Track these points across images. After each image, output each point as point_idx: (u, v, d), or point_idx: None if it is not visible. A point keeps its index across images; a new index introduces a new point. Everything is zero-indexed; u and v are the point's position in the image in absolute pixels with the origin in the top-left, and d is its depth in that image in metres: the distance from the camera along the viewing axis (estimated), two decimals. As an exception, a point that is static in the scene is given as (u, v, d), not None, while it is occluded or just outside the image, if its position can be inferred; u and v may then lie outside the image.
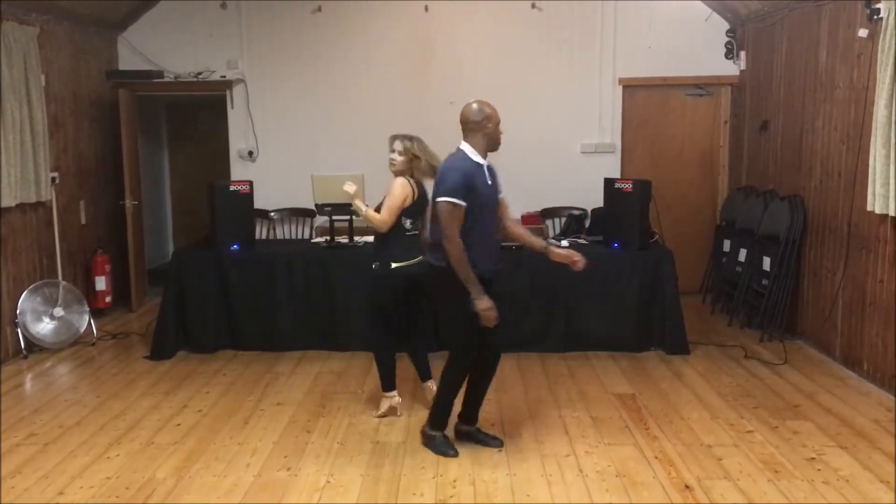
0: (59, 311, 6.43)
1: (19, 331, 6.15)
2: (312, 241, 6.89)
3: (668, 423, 4.73)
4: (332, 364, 5.90)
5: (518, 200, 7.79)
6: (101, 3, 7.29)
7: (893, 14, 4.85)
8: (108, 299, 7.38)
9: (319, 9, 7.91)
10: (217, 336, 6.22)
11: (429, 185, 4.48)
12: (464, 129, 4.22)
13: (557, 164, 8.02)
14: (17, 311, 6.16)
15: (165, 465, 4.20)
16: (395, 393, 4.84)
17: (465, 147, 4.20)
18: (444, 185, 4.08)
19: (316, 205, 6.28)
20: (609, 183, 6.54)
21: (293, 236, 7.98)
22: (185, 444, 4.48)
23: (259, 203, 7.00)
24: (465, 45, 7.99)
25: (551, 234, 7.58)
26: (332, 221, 6.38)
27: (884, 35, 4.95)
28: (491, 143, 4.23)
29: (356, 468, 4.15)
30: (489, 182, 4.22)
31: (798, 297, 6.45)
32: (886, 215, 5.06)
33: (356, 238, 6.37)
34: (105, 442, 4.50)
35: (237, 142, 8.21)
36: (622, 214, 6.31)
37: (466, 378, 4.33)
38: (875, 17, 5.15)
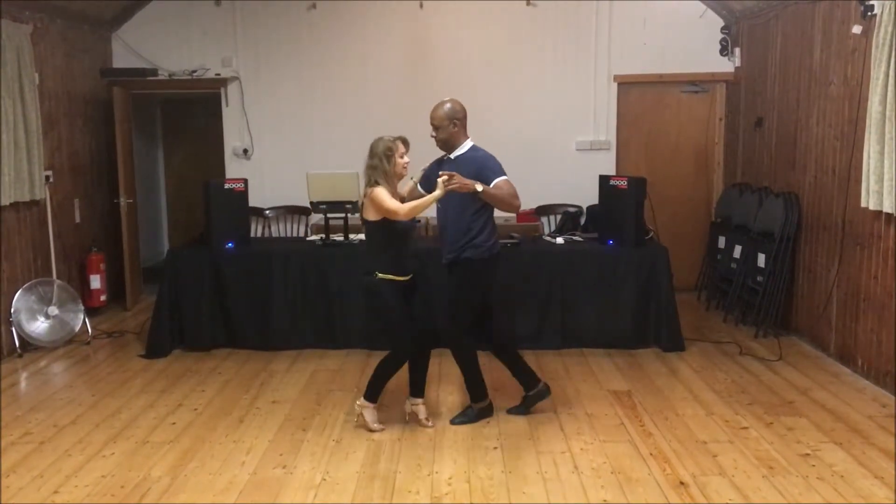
0: (53, 310, 6.41)
1: (14, 329, 6.14)
2: (308, 238, 6.88)
3: (664, 419, 4.74)
4: (327, 362, 5.90)
5: (513, 198, 7.85)
6: (95, 1, 7.27)
7: (887, 11, 4.86)
8: (102, 298, 7.36)
9: (314, 6, 7.89)
10: (212, 334, 6.21)
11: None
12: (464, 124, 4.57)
13: (552, 161, 8.02)
14: (12, 310, 6.14)
15: (161, 463, 4.20)
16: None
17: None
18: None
19: (311, 202, 6.29)
20: (604, 180, 6.54)
21: (288, 234, 7.97)
22: (180, 442, 4.47)
23: (254, 201, 7.00)
24: (460, 42, 7.98)
25: (546, 230, 7.58)
26: (327, 219, 6.39)
27: (877, 31, 4.96)
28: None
29: (351, 466, 4.15)
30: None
31: (793, 294, 6.46)
32: (880, 212, 5.08)
33: (351, 236, 6.37)
34: (100, 440, 4.49)
35: (232, 140, 8.20)
36: (617, 211, 6.31)
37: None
38: (869, 13, 5.16)
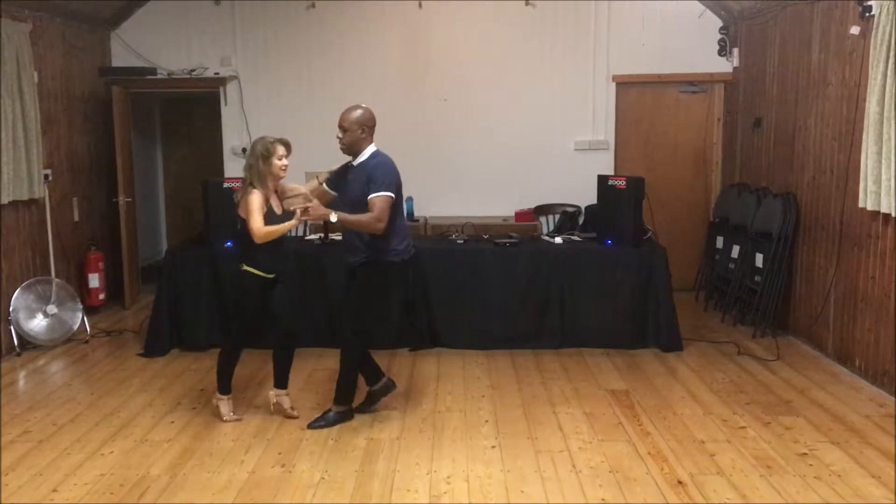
0: (52, 309, 6.41)
1: (12, 328, 6.14)
2: (306, 237, 6.89)
3: (662, 418, 4.75)
4: (326, 361, 5.89)
5: (512, 197, 7.88)
6: (93, 0, 7.27)
7: (885, 12, 4.87)
8: (101, 296, 7.36)
9: (313, 5, 7.90)
10: (211, 333, 6.20)
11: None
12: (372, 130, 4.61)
13: (551, 161, 8.03)
14: (11, 309, 6.14)
15: (159, 462, 4.20)
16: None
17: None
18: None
19: (310, 202, 6.28)
20: (602, 180, 6.55)
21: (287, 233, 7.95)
22: (179, 441, 4.48)
23: (253, 200, 6.98)
24: (459, 42, 7.99)
25: (545, 230, 7.58)
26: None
27: (875, 32, 4.97)
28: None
29: (350, 464, 4.15)
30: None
31: (791, 294, 6.47)
32: (878, 212, 5.09)
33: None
34: (99, 439, 4.50)
35: (231, 139, 8.20)
36: (616, 211, 6.32)
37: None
38: (867, 14, 5.17)
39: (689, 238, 8.01)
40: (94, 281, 7.28)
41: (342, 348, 4.74)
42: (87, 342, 6.51)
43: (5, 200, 6.04)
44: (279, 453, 4.30)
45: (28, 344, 6.25)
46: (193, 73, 7.99)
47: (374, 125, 4.59)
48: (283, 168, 4.55)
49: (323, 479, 3.99)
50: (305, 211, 4.36)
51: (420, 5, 7.87)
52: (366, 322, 4.66)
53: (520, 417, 4.79)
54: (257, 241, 4.40)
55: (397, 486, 3.92)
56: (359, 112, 4.54)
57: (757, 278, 6.53)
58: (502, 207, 7.83)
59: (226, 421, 4.72)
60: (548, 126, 8.04)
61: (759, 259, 6.54)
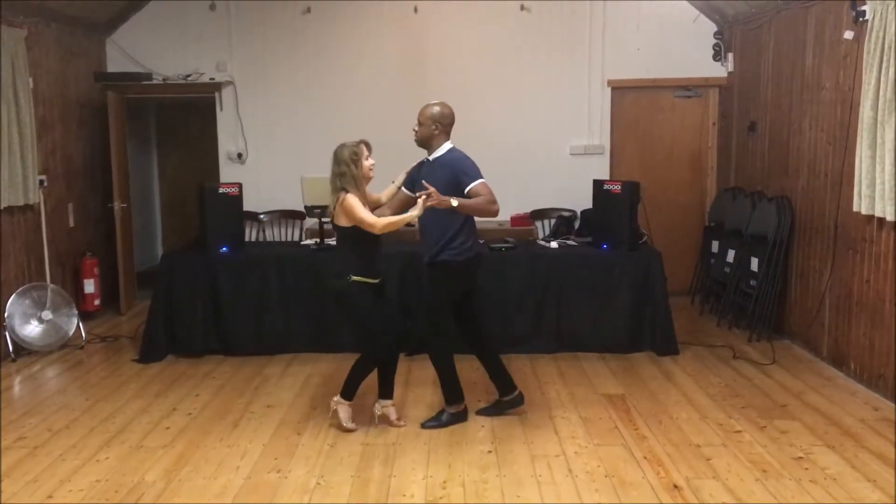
0: (47, 314, 6.40)
1: (7, 334, 6.12)
2: (302, 243, 6.89)
3: (657, 423, 4.75)
4: (322, 366, 5.90)
5: (507, 202, 7.77)
6: (89, 4, 7.27)
7: (878, 16, 4.89)
8: (96, 302, 7.35)
9: (309, 10, 7.91)
10: (206, 338, 6.19)
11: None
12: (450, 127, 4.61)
13: (547, 165, 8.04)
14: (6, 314, 6.13)
15: (155, 467, 4.19)
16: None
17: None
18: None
19: (306, 207, 6.29)
20: (598, 184, 6.56)
21: (283, 238, 7.97)
22: (174, 446, 4.47)
23: (248, 205, 6.99)
24: (455, 46, 8.00)
25: (541, 235, 7.59)
26: (321, 223, 6.39)
27: (869, 37, 4.99)
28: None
29: (346, 469, 4.15)
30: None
31: (786, 298, 6.48)
32: (872, 216, 5.10)
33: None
34: (94, 445, 4.49)
35: (226, 144, 8.20)
36: (611, 216, 6.33)
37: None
38: (860, 19, 5.19)
39: (685, 242, 8.02)
40: (90, 286, 7.27)
41: (428, 352, 4.78)
42: (82, 348, 6.49)
43: (1, 206, 6.03)
44: (275, 459, 4.29)
45: (23, 350, 6.24)
46: (189, 79, 7.99)
47: (449, 123, 4.62)
48: (371, 167, 4.54)
49: (319, 484, 3.99)
50: (429, 197, 4.30)
51: (415, 10, 7.88)
52: (439, 320, 4.66)
53: (516, 422, 4.79)
54: (378, 232, 4.35)
55: (393, 491, 3.91)
56: (436, 109, 4.57)
57: (752, 282, 6.54)
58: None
59: (347, 429, 4.62)
60: (543, 130, 8.05)
61: (754, 263, 6.55)
